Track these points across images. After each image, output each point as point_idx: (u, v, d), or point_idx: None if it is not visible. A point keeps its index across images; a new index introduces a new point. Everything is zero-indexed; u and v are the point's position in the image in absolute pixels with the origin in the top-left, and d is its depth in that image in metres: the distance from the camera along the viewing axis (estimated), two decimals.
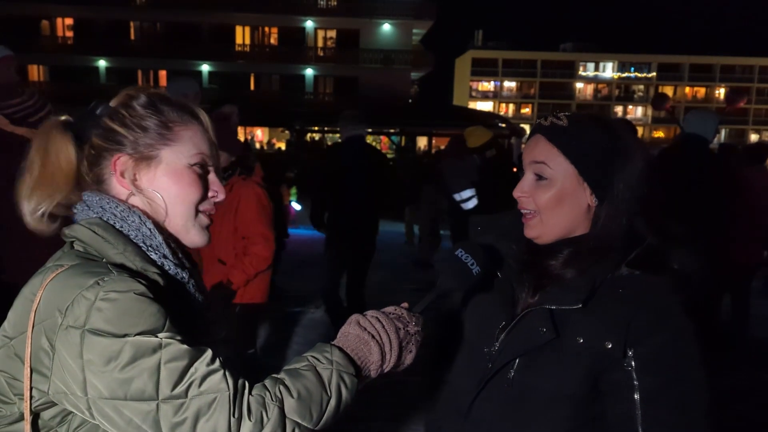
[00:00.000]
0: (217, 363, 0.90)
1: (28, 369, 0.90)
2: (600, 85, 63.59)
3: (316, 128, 18.35)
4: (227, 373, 0.89)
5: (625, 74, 62.86)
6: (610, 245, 1.11)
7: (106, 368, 0.85)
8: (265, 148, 27.88)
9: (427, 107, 23.66)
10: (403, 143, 18.37)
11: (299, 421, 0.91)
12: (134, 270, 0.95)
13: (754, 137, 58.71)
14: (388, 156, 19.99)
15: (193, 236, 1.09)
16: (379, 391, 3.46)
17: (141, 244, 1.01)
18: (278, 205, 5.53)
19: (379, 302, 1.14)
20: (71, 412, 0.93)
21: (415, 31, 33.90)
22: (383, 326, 1.03)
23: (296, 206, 9.70)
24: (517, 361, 1.13)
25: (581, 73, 62.93)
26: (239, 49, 33.43)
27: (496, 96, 62.93)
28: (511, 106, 62.81)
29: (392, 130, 18.07)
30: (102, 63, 33.12)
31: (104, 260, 0.96)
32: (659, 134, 56.39)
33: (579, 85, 63.11)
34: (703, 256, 1.10)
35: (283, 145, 26.00)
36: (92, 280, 0.88)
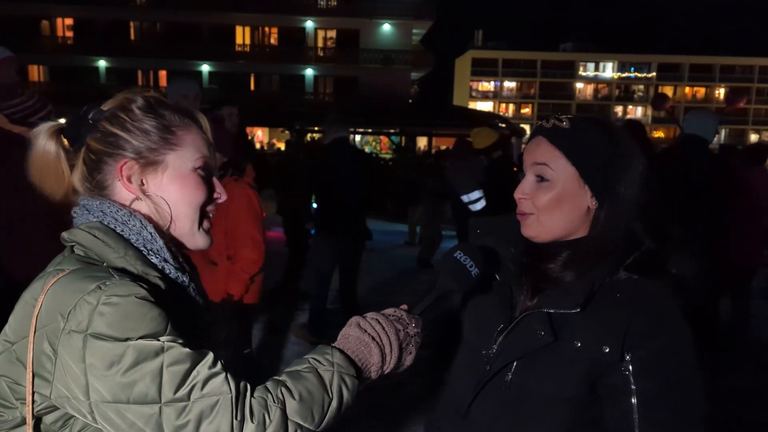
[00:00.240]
0: (219, 366, 0.90)
1: (30, 373, 0.90)
2: (600, 85, 63.61)
3: (317, 128, 18.35)
4: (229, 376, 0.89)
5: (625, 74, 62.89)
6: (609, 248, 1.11)
7: (109, 372, 0.85)
8: (266, 148, 27.88)
9: (427, 107, 23.66)
10: (403, 143, 18.37)
11: (301, 422, 0.91)
12: (135, 274, 0.95)
13: (754, 137, 58.76)
14: (388, 156, 19.99)
15: (197, 239, 1.10)
16: (380, 392, 3.47)
17: (142, 248, 1.01)
18: (297, 208, 5.58)
19: (380, 303, 1.14)
20: (73, 416, 0.93)
21: (415, 31, 33.92)
22: (383, 328, 1.03)
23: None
24: (515, 363, 1.14)
25: (581, 73, 62.95)
26: (239, 49, 33.45)
27: (496, 96, 62.94)
28: (511, 106, 62.83)
29: (392, 130, 18.07)
30: (102, 63, 33.13)
31: (105, 264, 0.97)
32: (659, 134, 56.35)
33: (579, 85, 63.13)
34: (702, 260, 1.10)
35: (282, 146, 26.02)
36: (94, 285, 0.89)
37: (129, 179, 1.03)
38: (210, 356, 0.91)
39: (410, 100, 32.93)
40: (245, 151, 5.72)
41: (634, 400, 1.03)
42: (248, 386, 0.91)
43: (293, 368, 0.97)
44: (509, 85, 63.19)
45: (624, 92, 63.43)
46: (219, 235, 2.87)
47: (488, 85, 63.44)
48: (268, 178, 7.59)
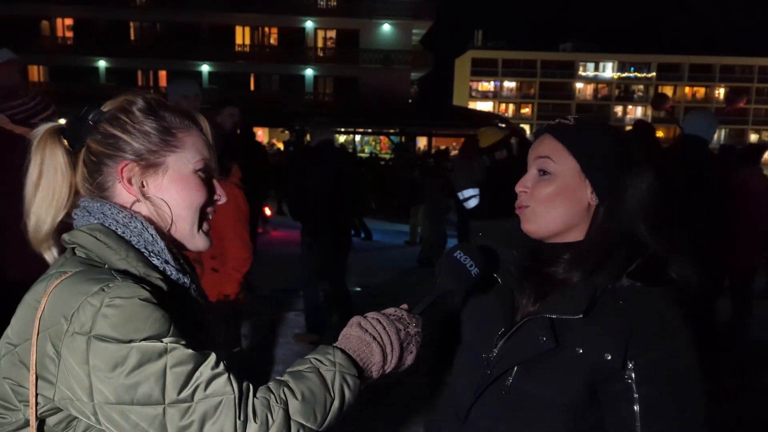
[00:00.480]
0: (222, 366, 0.91)
1: (34, 375, 0.91)
2: (600, 85, 63.61)
3: None
4: (232, 377, 0.90)
5: (625, 74, 62.88)
6: (610, 248, 1.11)
7: (113, 374, 0.86)
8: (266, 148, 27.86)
9: (426, 107, 23.70)
10: (402, 143, 18.38)
11: (303, 422, 0.92)
12: (137, 276, 0.96)
13: (753, 137, 58.72)
14: (387, 156, 20.00)
15: (197, 241, 1.10)
16: (381, 392, 3.47)
17: (143, 250, 1.01)
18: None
19: (380, 303, 1.14)
20: (76, 417, 0.94)
21: (414, 31, 33.91)
22: (384, 328, 1.04)
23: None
24: (516, 368, 1.13)
25: (581, 73, 62.95)
26: (239, 49, 33.45)
27: (496, 96, 62.95)
28: (511, 106, 62.83)
29: (392, 130, 18.09)
30: (102, 63, 33.13)
31: (107, 266, 0.97)
32: (659, 134, 56.03)
33: (579, 85, 63.14)
34: (703, 265, 1.10)
35: (281, 146, 26.03)
36: (97, 287, 0.89)
37: (129, 181, 1.04)
38: (213, 357, 0.91)
39: (410, 100, 32.95)
40: (253, 152, 5.77)
41: (636, 408, 1.03)
42: (251, 386, 0.91)
43: (295, 368, 0.97)
44: (509, 85, 63.19)
45: (624, 92, 63.42)
46: None
47: (488, 85, 63.44)
48: (269, 179, 7.62)
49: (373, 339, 1.02)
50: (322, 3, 33.03)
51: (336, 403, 0.95)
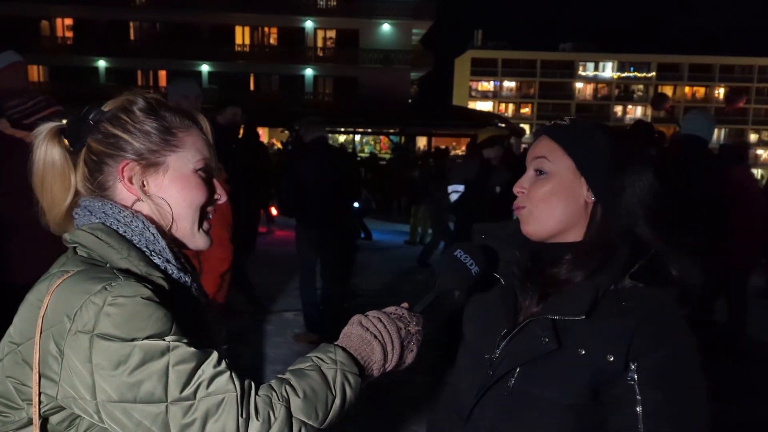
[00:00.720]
0: (224, 365, 0.91)
1: (37, 374, 0.91)
2: (599, 85, 63.59)
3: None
4: (234, 375, 0.90)
5: (625, 74, 62.85)
6: (611, 248, 1.11)
7: (116, 372, 0.86)
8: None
9: (426, 107, 23.71)
10: (402, 143, 18.40)
11: (305, 420, 0.92)
12: (139, 275, 0.96)
13: (753, 137, 58.75)
14: (387, 156, 20.01)
15: (198, 240, 1.11)
16: (382, 390, 3.48)
17: (144, 249, 1.02)
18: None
19: (381, 302, 1.15)
20: (79, 416, 0.94)
21: (414, 31, 33.90)
22: (385, 326, 1.04)
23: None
24: (518, 369, 1.13)
25: (581, 73, 62.94)
26: (239, 49, 33.43)
27: (495, 96, 62.93)
28: (511, 106, 62.82)
29: (392, 130, 18.11)
30: (102, 63, 33.11)
31: (108, 265, 0.97)
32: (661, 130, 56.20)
33: (579, 85, 63.12)
34: (705, 265, 1.10)
35: (280, 145, 26.03)
36: (100, 286, 0.89)
37: (130, 180, 1.04)
38: (214, 355, 0.92)
39: (410, 100, 32.93)
40: (256, 153, 5.80)
41: (639, 410, 1.03)
42: (252, 384, 0.92)
43: (296, 366, 0.98)
44: (509, 84, 63.17)
45: (624, 92, 63.40)
46: None
47: (488, 85, 63.42)
48: (272, 179, 7.64)
49: (374, 337, 1.03)
50: (321, 3, 33.01)
51: (337, 401, 0.95)
